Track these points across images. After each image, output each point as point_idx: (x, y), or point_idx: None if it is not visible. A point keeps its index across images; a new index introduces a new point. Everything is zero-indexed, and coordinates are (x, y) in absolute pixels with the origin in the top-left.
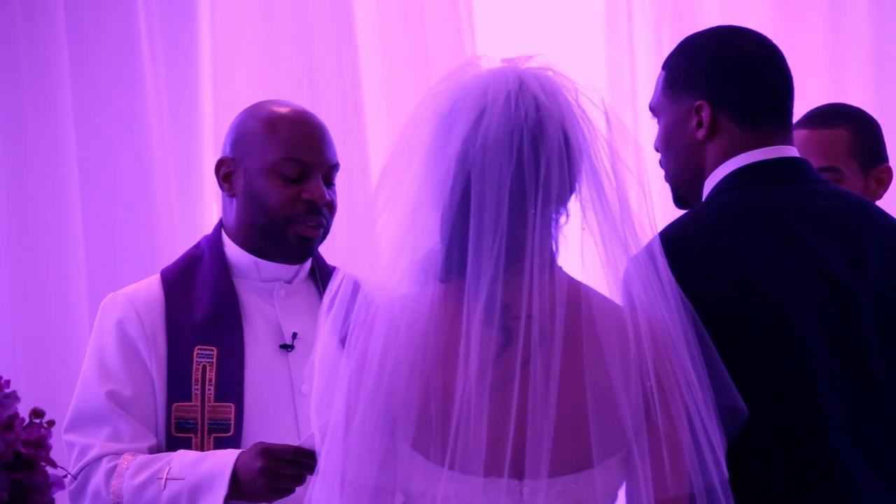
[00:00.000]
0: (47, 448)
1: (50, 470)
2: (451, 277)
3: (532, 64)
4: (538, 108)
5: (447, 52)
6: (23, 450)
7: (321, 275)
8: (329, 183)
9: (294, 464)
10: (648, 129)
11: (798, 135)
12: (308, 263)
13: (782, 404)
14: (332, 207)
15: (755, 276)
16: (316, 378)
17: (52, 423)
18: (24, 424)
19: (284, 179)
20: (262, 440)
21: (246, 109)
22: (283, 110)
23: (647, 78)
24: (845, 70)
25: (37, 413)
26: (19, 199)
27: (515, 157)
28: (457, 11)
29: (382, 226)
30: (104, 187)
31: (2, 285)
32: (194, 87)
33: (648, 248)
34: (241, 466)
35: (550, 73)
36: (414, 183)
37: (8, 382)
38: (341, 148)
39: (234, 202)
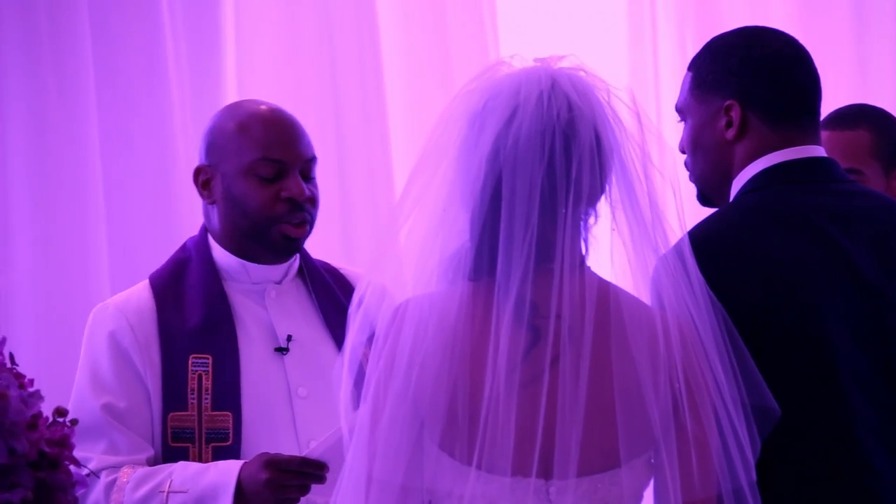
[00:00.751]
0: (70, 447)
1: (73, 469)
2: (480, 276)
3: (564, 64)
4: (570, 108)
5: (470, 52)
6: (47, 449)
7: (309, 272)
8: (307, 177)
9: (300, 474)
10: (672, 129)
11: None
12: (296, 262)
13: (810, 404)
14: (314, 202)
15: (783, 276)
16: (344, 380)
17: (75, 421)
18: (48, 423)
19: (261, 180)
20: (262, 447)
21: (217, 113)
22: (251, 108)
23: (671, 78)
24: (870, 70)
25: (60, 412)
26: (43, 201)
27: (547, 156)
28: (480, 12)
29: (412, 224)
30: (127, 186)
31: (25, 285)
32: (218, 87)
33: (677, 247)
34: (245, 478)
35: (582, 73)
36: (445, 181)
37: (31, 381)
38: (364, 147)
39: (216, 208)
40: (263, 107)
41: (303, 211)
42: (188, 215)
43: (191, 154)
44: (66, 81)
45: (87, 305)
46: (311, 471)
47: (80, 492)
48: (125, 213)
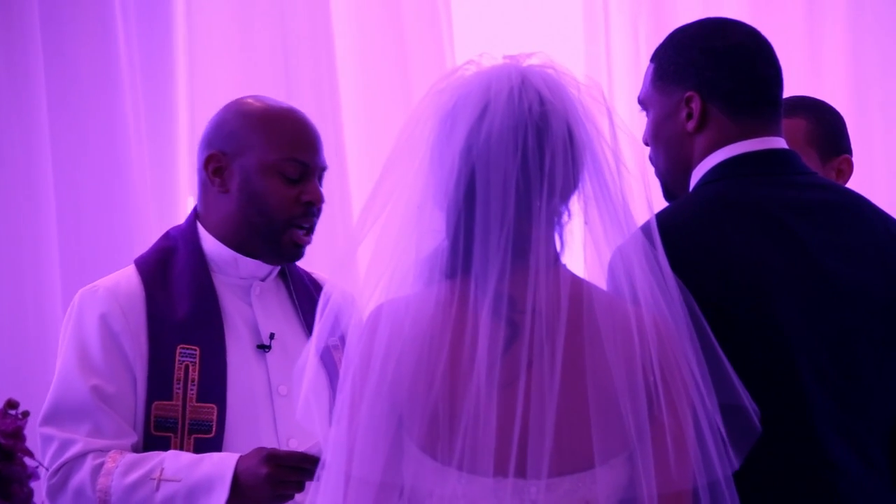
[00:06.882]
0: (23, 439)
1: (27, 460)
2: (456, 273)
3: (534, 61)
4: (542, 103)
5: (425, 51)
6: (2, 441)
7: (290, 272)
8: (320, 183)
9: (298, 470)
10: (627, 123)
11: None
12: None
13: (769, 395)
14: (320, 210)
15: (741, 267)
16: (306, 378)
17: (26, 413)
18: (1, 416)
19: (286, 180)
20: (243, 442)
21: (234, 104)
22: (280, 108)
23: (625, 72)
24: (822, 64)
25: (11, 404)
26: None
27: (521, 151)
28: (435, 9)
29: (384, 224)
30: (79, 183)
31: None
32: (170, 85)
33: (645, 235)
34: (242, 472)
35: (552, 70)
36: (417, 180)
37: None
38: None
39: (226, 198)
40: (290, 107)
41: (314, 216)
42: (140, 211)
43: (142, 151)
44: (17, 81)
45: (38, 300)
46: (310, 467)
47: (32, 484)
48: (76, 208)
